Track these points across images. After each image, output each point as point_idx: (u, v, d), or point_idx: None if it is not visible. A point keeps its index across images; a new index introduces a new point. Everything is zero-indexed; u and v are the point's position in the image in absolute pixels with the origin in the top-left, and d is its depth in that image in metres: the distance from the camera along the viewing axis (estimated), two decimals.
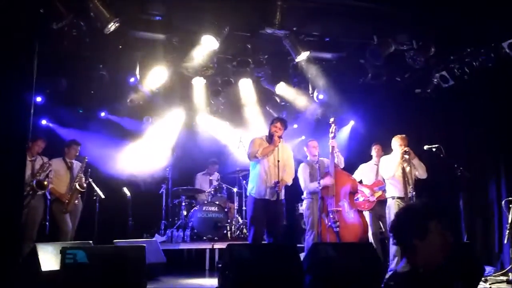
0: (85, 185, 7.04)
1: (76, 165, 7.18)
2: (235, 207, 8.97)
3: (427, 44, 6.54)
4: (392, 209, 6.38)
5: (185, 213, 8.47)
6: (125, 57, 7.23)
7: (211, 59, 7.31)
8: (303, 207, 6.86)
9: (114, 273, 4.30)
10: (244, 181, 8.53)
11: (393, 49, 6.64)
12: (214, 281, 5.54)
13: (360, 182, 7.13)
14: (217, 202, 8.51)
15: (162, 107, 9.08)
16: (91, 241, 5.64)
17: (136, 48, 7.17)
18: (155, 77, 7.75)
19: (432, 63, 7.01)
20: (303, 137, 9.80)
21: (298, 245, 6.81)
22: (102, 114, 9.04)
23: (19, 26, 4.38)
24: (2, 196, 4.14)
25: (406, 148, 6.32)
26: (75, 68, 7.40)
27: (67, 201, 6.81)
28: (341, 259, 4.74)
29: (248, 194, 6.20)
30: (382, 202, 6.78)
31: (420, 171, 6.40)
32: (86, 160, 7.16)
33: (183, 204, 8.51)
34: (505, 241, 6.31)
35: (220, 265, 5.95)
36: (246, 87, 8.62)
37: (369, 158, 7.34)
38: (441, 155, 6.36)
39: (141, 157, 8.95)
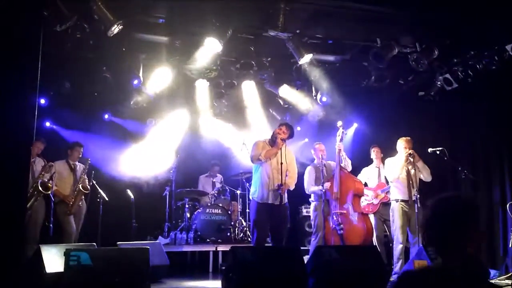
0: (88, 187, 7.06)
1: (80, 167, 7.19)
2: (239, 210, 8.96)
3: (431, 47, 6.53)
4: (396, 212, 6.37)
5: (188, 215, 8.47)
6: (128, 59, 7.24)
7: (215, 61, 7.32)
8: (310, 210, 6.92)
9: (118, 275, 4.31)
10: (247, 184, 8.52)
11: (396, 51, 6.63)
12: (218, 284, 5.54)
13: (365, 185, 7.13)
14: (220, 205, 8.51)
15: (165, 109, 9.09)
16: (94, 243, 5.66)
17: (140, 50, 7.19)
18: (158, 79, 7.76)
19: (435, 66, 7.00)
20: (306, 140, 9.79)
21: (302, 247, 6.80)
22: (106, 116, 9.05)
23: (23, 28, 4.39)
24: (6, 198, 4.15)
25: (410, 151, 6.31)
26: (79, 70, 7.41)
27: (71, 202, 6.83)
28: (344, 262, 4.74)
29: (250, 197, 6.15)
30: (386, 205, 6.76)
31: (425, 174, 6.39)
32: (89, 162, 7.17)
33: (187, 206, 8.52)
34: (510, 245, 6.29)
35: (223, 268, 5.96)
36: (249, 90, 8.63)
37: (371, 160, 7.33)
38: (445, 158, 6.35)
39: (145, 159, 8.96)
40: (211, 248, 7.81)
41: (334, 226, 6.30)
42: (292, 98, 8.76)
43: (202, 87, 8.49)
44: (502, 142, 6.98)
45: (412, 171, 6.30)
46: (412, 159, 6.28)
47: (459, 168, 6.45)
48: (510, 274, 6.28)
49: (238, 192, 9.01)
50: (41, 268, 4.80)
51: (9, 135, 4.24)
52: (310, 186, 6.73)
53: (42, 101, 7.79)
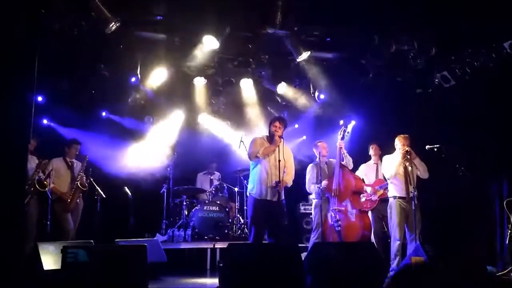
0: (86, 184, 7.05)
1: (77, 164, 7.18)
2: (236, 207, 8.97)
3: (428, 44, 6.54)
4: (393, 209, 6.38)
5: (186, 212, 8.48)
6: (126, 56, 7.23)
7: (212, 59, 7.32)
8: (311, 207, 7.01)
9: (115, 272, 4.30)
10: (245, 181, 8.54)
11: (394, 49, 6.63)
12: (215, 281, 5.55)
13: (362, 181, 7.15)
14: (218, 202, 8.52)
15: (163, 107, 9.09)
16: (92, 241, 5.65)
17: (137, 48, 7.18)
18: (156, 76, 7.75)
19: (433, 63, 7.01)
20: (304, 137, 9.81)
21: (300, 245, 6.83)
22: (104, 113, 9.04)
23: (20, 25, 4.38)
24: (3, 196, 4.14)
25: (407, 148, 6.32)
26: (76, 67, 7.40)
27: (68, 200, 6.82)
28: (342, 259, 4.74)
29: (248, 194, 6.16)
30: (384, 201, 6.78)
31: (422, 171, 6.40)
32: (87, 159, 7.16)
33: (184, 203, 8.53)
34: (507, 242, 6.31)
35: (221, 265, 5.95)
36: (247, 87, 8.63)
37: (370, 157, 7.35)
38: (443, 155, 6.36)
39: (142, 156, 8.95)
40: (208, 246, 7.82)
41: (332, 222, 6.34)
42: (290, 96, 8.76)
43: (200, 85, 8.48)
44: (499, 139, 6.98)
45: (410, 168, 6.32)
46: (409, 156, 6.29)
47: (457, 165, 6.46)
48: (507, 271, 6.30)
49: (236, 189, 9.01)
50: (38, 266, 4.81)
51: (6, 133, 4.23)
52: (310, 184, 6.77)
53: (40, 98, 7.76)
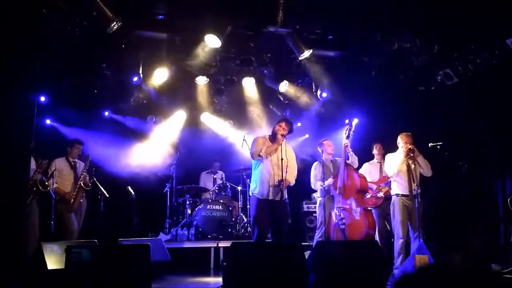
0: (89, 183, 7.06)
1: (80, 164, 7.19)
2: (240, 206, 8.97)
3: (431, 42, 6.52)
4: (396, 207, 6.37)
5: (189, 211, 8.49)
6: (128, 56, 7.23)
7: (214, 57, 7.31)
8: (316, 205, 7.02)
9: (119, 271, 4.31)
10: (248, 180, 8.52)
11: (396, 46, 6.62)
12: (219, 280, 5.55)
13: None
14: (221, 201, 8.52)
15: (165, 106, 9.09)
16: (96, 240, 5.66)
17: (139, 47, 7.18)
18: (158, 76, 7.75)
19: (435, 61, 6.99)
20: (307, 136, 9.80)
21: (303, 243, 6.82)
22: (106, 113, 9.06)
23: (22, 25, 4.38)
24: (6, 196, 4.15)
25: (410, 146, 6.31)
26: (79, 67, 7.41)
27: (72, 200, 6.83)
28: (346, 257, 4.73)
29: (250, 194, 6.15)
30: (387, 199, 6.77)
31: (425, 169, 6.39)
32: (90, 159, 7.17)
33: (188, 202, 8.53)
34: (511, 240, 6.29)
35: (224, 264, 5.95)
36: (249, 86, 8.63)
37: (373, 156, 7.34)
38: (446, 153, 6.34)
39: (145, 156, 8.96)
40: (212, 244, 7.82)
41: (336, 221, 6.33)
42: (292, 94, 8.75)
43: (202, 84, 8.48)
44: (502, 137, 6.96)
45: (413, 166, 6.31)
46: (412, 154, 6.28)
47: (460, 163, 6.44)
48: (511, 269, 6.28)
49: (239, 188, 9.01)
50: (43, 265, 4.82)
51: (9, 133, 4.24)
52: (316, 181, 6.79)
53: (42, 98, 7.77)
